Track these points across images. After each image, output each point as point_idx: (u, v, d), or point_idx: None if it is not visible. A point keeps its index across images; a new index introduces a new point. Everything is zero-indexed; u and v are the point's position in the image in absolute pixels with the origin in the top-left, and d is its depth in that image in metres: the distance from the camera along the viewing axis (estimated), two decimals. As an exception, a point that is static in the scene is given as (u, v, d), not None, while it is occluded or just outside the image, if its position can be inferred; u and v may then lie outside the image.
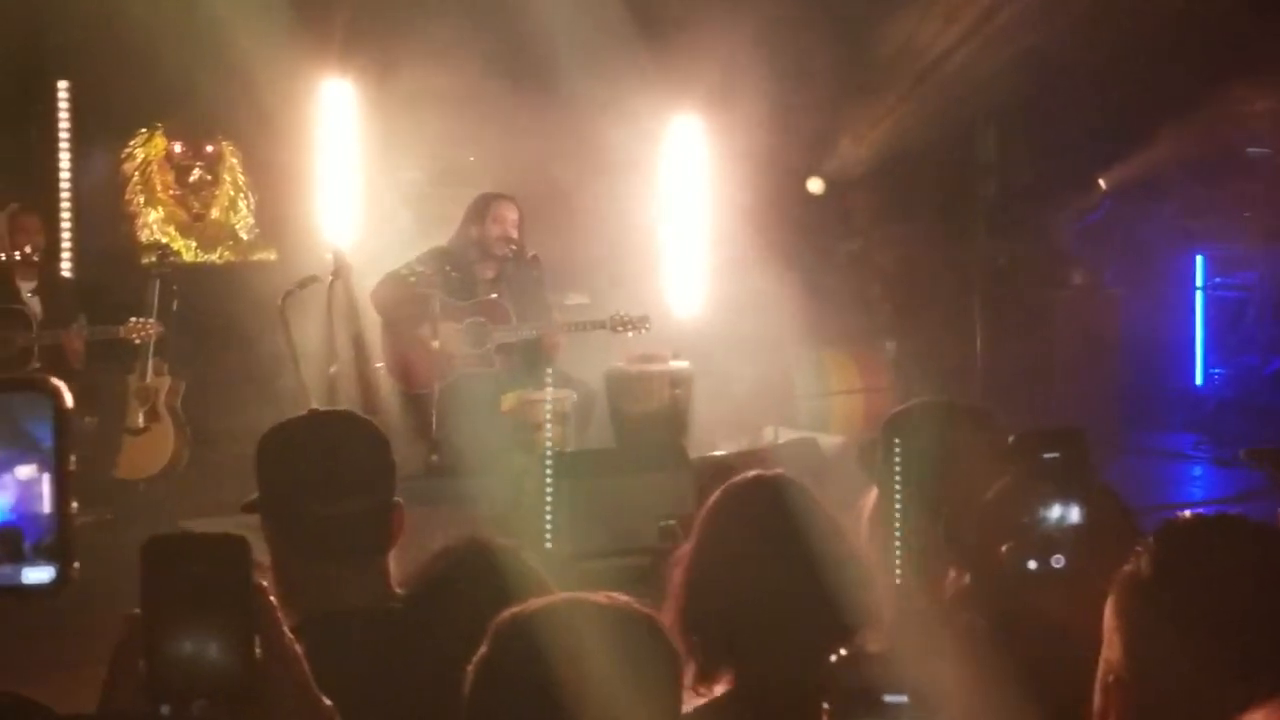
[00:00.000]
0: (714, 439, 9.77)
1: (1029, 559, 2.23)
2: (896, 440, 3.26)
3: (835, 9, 11.21)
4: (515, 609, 2.34)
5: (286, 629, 1.86)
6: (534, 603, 2.36)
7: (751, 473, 3.04)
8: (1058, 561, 2.22)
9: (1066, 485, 2.25)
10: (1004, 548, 2.27)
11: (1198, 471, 11.27)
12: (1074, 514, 2.24)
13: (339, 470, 3.05)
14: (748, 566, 2.84)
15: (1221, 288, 12.55)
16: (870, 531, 3.23)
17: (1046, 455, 2.27)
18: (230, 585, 1.76)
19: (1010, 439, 2.32)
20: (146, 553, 1.75)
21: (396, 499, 3.10)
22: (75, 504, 1.77)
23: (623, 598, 2.37)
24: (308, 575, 3.00)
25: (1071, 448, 2.28)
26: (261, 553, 2.68)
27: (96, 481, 9.24)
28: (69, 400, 1.77)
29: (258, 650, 1.76)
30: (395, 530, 3.09)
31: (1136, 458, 11.17)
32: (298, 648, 1.86)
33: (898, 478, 3.17)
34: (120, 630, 1.78)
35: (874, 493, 3.29)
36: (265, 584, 1.82)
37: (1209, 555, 2.03)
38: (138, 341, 9.46)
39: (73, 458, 1.77)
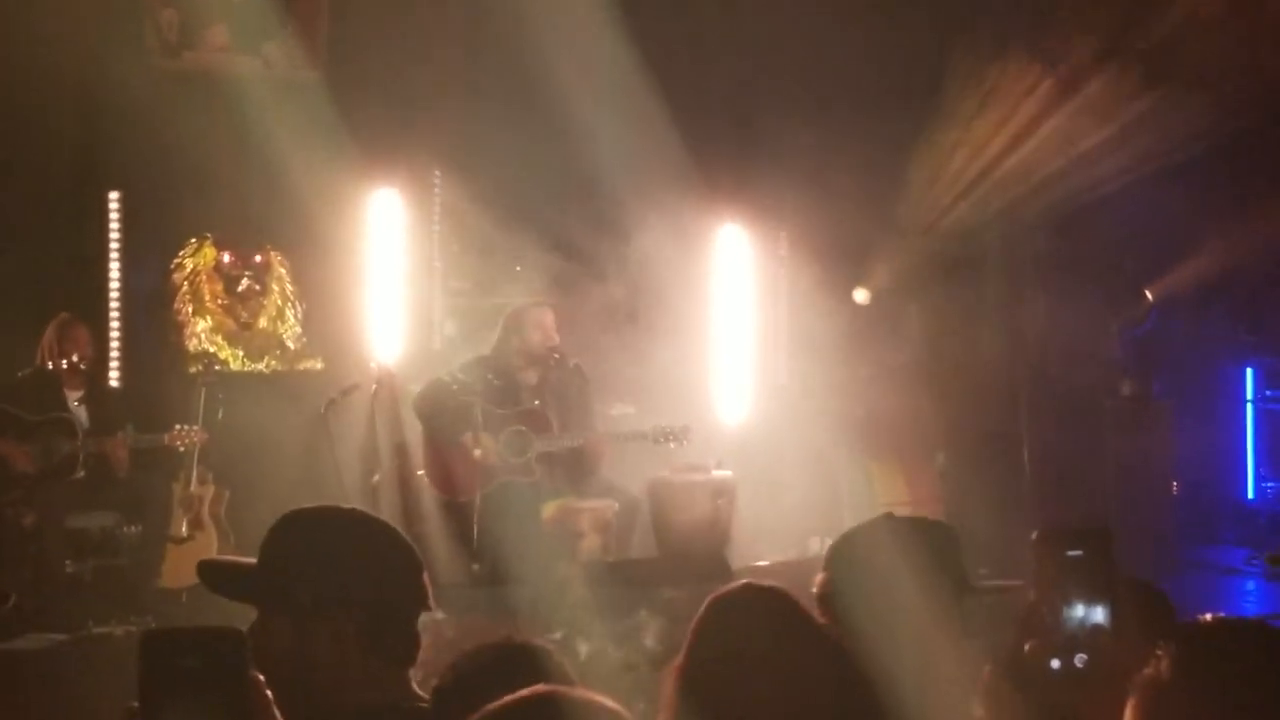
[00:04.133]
0: (759, 549, 9.71)
1: (1052, 658, 2.19)
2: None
3: (881, 119, 11.25)
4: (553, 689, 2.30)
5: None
6: (541, 689, 2.31)
7: (740, 582, 3.04)
8: (1081, 661, 2.18)
9: (1090, 584, 2.21)
10: (1026, 646, 2.23)
11: (1251, 586, 11.14)
12: (1098, 614, 2.20)
13: (420, 578, 3.12)
14: (736, 680, 2.80)
15: (1272, 400, 12.46)
16: None
17: (1070, 553, 2.23)
18: (226, 679, 1.75)
19: (1033, 535, 2.28)
20: (144, 645, 1.75)
21: None
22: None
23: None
24: (365, 673, 2.99)
25: (1095, 546, 2.24)
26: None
27: (139, 590, 9.27)
28: None
29: None
30: None
31: (1189, 572, 11.06)
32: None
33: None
34: (119, 721, 1.77)
35: None
36: (261, 677, 1.81)
37: (1229, 660, 2.00)
38: (182, 449, 9.51)
39: None
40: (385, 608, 3.04)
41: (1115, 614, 2.21)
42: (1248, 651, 2.01)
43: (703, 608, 2.96)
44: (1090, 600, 2.20)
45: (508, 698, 2.47)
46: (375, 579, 3.06)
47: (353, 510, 3.24)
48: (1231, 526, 12.18)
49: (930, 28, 11.53)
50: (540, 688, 2.56)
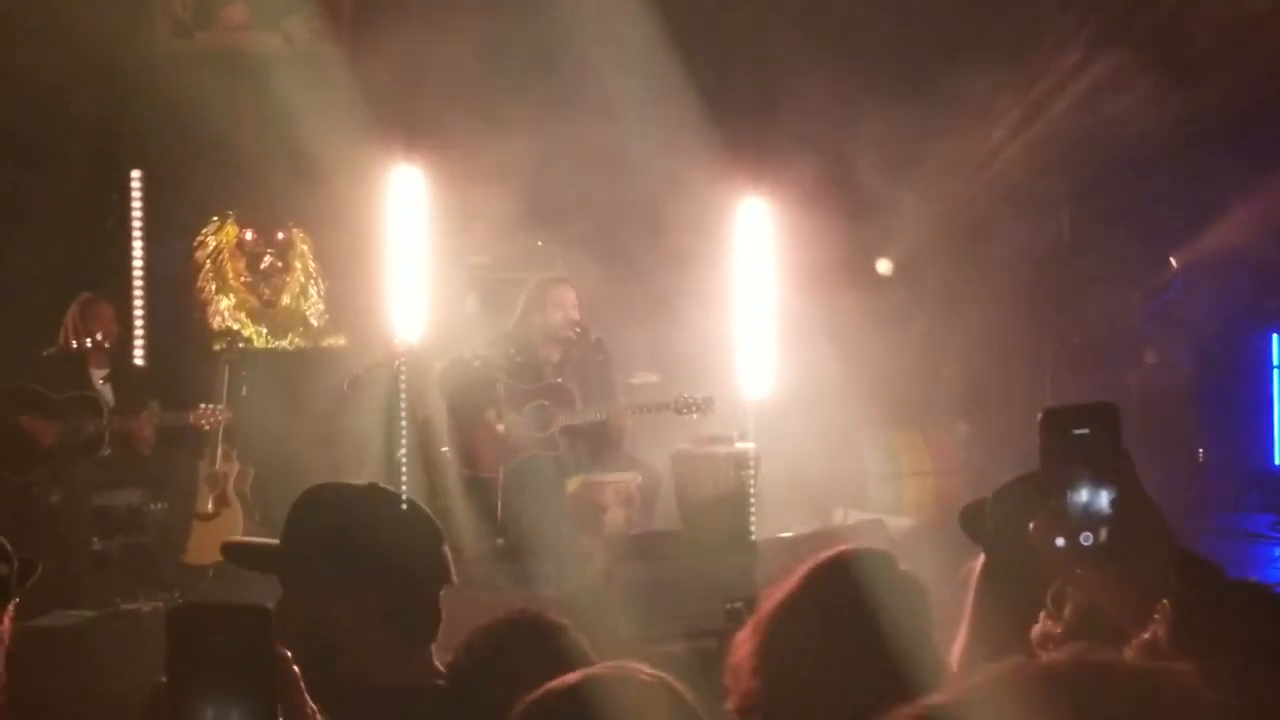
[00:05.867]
0: (783, 520, 9.71)
1: (1057, 536, 2.15)
2: (1002, 509, 3.19)
3: (904, 91, 11.21)
4: (536, 695, 2.30)
5: (309, 700, 1.85)
6: (556, 685, 2.31)
7: (837, 550, 3.00)
8: (1086, 539, 2.13)
9: (1098, 463, 2.15)
10: (1031, 526, 2.19)
11: (1278, 552, 11.11)
12: (1104, 494, 2.15)
13: (441, 550, 3.15)
14: (826, 655, 2.79)
15: (1297, 366, 12.41)
16: (975, 598, 3.16)
17: (1077, 431, 2.17)
18: (253, 655, 1.76)
19: (1039, 416, 2.24)
20: (171, 621, 1.75)
21: None
22: None
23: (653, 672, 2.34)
24: (386, 649, 3.02)
25: (1103, 424, 2.18)
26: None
27: (165, 567, 9.31)
28: None
29: None
30: None
31: (1214, 539, 11.01)
32: (320, 718, 1.86)
33: (1003, 546, 3.10)
34: (145, 698, 1.78)
35: (981, 558, 3.23)
36: (289, 653, 1.81)
37: (1227, 624, 1.98)
38: (207, 427, 9.53)
39: None
40: (406, 584, 3.05)
41: (1123, 495, 2.16)
42: (1246, 616, 1.99)
43: (803, 572, 2.93)
44: (1097, 480, 2.15)
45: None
46: (396, 556, 3.07)
47: (374, 485, 3.25)
48: (1257, 493, 12.13)
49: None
50: (520, 607, 2.56)
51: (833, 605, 2.85)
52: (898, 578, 2.93)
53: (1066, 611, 2.33)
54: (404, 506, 3.21)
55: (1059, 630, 2.38)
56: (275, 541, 3.12)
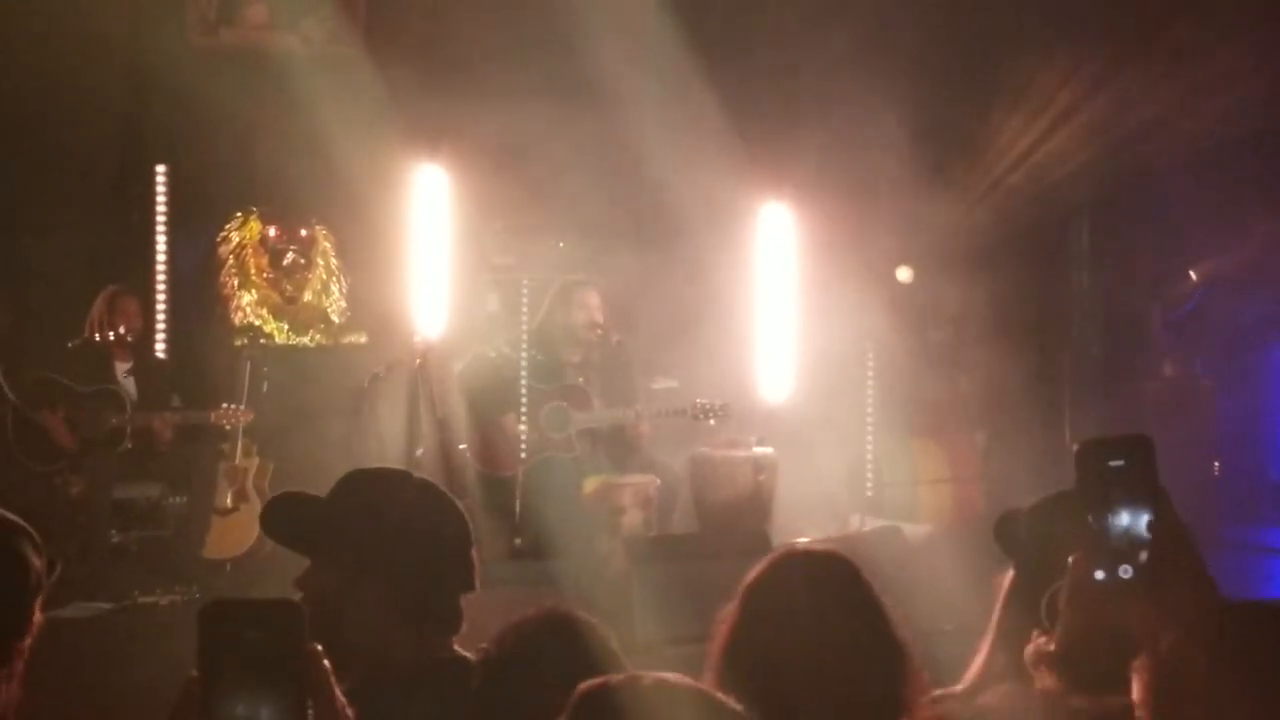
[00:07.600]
0: (799, 525, 9.71)
1: (1096, 569, 2.16)
2: (1037, 525, 3.20)
3: (925, 99, 11.21)
4: (600, 680, 2.31)
5: (339, 693, 1.87)
6: (620, 676, 2.32)
7: (800, 545, 3.07)
8: (1125, 572, 2.14)
9: (1134, 494, 2.17)
10: (1070, 559, 2.21)
11: (1296, 567, 11.08)
12: (1142, 524, 2.16)
13: (471, 555, 3.18)
14: (785, 640, 2.85)
15: (1316, 381, 12.38)
16: (1001, 610, 3.18)
17: (1113, 463, 2.19)
18: (284, 650, 1.78)
19: (1075, 447, 2.25)
20: (204, 617, 1.78)
21: None
22: None
23: (708, 690, 2.34)
24: (406, 636, 3.06)
25: (1139, 456, 2.20)
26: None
27: (183, 560, 9.34)
28: None
29: (310, 715, 1.78)
30: None
31: (1233, 553, 10.98)
32: (350, 712, 1.88)
33: (1033, 562, 3.11)
34: (179, 692, 1.81)
35: (1010, 572, 3.24)
36: (319, 648, 1.84)
37: (1240, 643, 1.99)
38: (228, 427, 9.56)
39: None
40: (430, 583, 3.08)
41: (1159, 526, 2.17)
42: (1260, 635, 2.01)
43: (758, 568, 3.00)
44: (1134, 511, 2.16)
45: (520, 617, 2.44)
46: (426, 553, 3.09)
47: (427, 483, 3.26)
48: (1274, 507, 12.10)
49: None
50: (552, 605, 2.57)
51: (800, 591, 2.98)
52: (862, 583, 3.01)
53: (1059, 631, 2.35)
54: (442, 506, 3.22)
55: (1051, 649, 2.40)
56: (323, 497, 3.15)
